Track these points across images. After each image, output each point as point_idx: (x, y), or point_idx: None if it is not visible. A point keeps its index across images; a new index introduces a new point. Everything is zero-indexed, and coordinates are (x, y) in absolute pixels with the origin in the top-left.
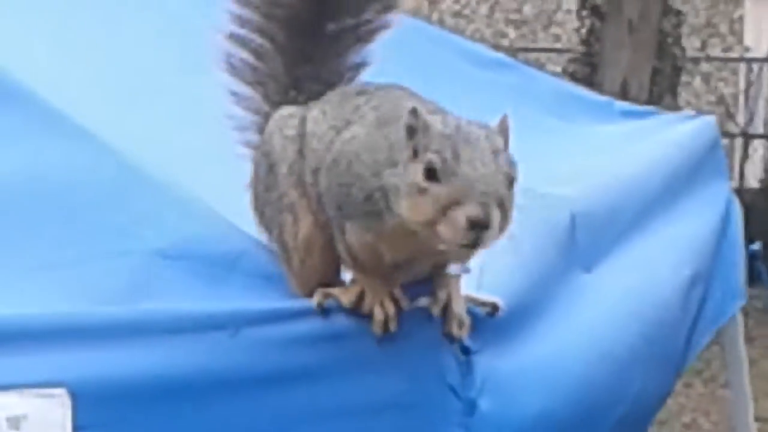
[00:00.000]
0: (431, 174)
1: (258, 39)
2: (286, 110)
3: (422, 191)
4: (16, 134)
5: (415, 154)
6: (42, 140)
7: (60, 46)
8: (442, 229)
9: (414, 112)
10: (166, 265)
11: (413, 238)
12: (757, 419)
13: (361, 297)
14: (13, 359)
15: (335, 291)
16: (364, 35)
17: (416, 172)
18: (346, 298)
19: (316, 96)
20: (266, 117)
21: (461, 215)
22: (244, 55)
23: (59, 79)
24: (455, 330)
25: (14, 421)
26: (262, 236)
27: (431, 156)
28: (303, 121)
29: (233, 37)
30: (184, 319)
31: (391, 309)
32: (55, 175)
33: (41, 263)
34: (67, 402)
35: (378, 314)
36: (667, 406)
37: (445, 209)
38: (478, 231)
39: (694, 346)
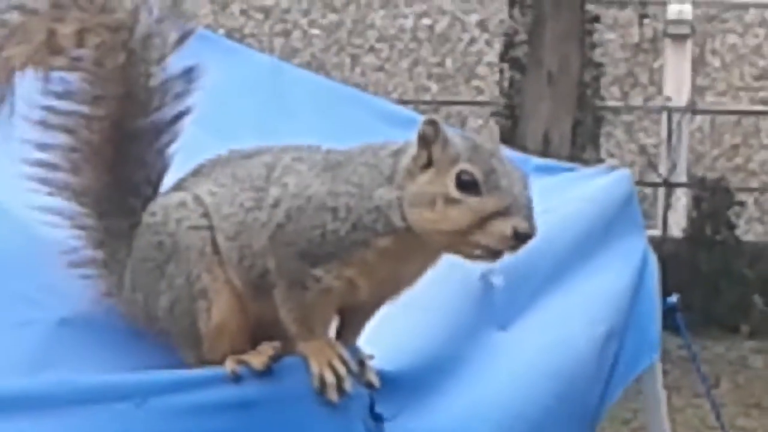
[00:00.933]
0: (467, 185)
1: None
2: (168, 199)
3: (454, 201)
4: None
5: (430, 163)
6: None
7: None
8: (481, 238)
9: (432, 122)
10: (70, 333)
11: (414, 249)
12: None
13: (273, 359)
14: None
15: (246, 357)
16: (171, 123)
17: (445, 183)
18: (258, 361)
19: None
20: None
21: (507, 227)
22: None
23: None
24: (374, 379)
25: None
26: (149, 330)
27: (466, 167)
28: (198, 200)
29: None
30: (88, 391)
31: (342, 370)
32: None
33: None
34: None
35: (329, 378)
36: None
37: (484, 220)
38: (520, 241)
39: (607, 399)
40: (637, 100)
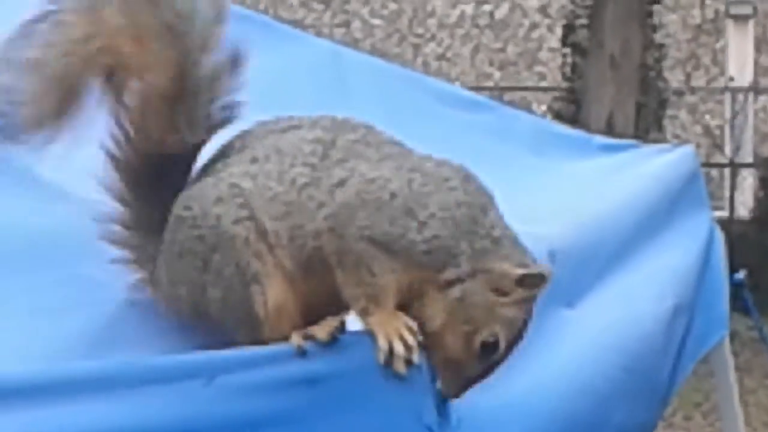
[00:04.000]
0: (488, 349)
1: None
2: (203, 192)
3: (473, 350)
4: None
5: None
6: (17, 191)
7: None
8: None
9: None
10: (136, 314)
11: None
12: None
13: (340, 329)
14: None
15: (311, 330)
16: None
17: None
18: (323, 333)
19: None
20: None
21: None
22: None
23: None
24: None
25: None
26: (197, 322)
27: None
28: (235, 189)
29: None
30: (154, 370)
31: (411, 340)
32: (31, 225)
33: (19, 310)
34: None
35: (399, 349)
36: None
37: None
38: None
39: (678, 375)
40: (700, 81)
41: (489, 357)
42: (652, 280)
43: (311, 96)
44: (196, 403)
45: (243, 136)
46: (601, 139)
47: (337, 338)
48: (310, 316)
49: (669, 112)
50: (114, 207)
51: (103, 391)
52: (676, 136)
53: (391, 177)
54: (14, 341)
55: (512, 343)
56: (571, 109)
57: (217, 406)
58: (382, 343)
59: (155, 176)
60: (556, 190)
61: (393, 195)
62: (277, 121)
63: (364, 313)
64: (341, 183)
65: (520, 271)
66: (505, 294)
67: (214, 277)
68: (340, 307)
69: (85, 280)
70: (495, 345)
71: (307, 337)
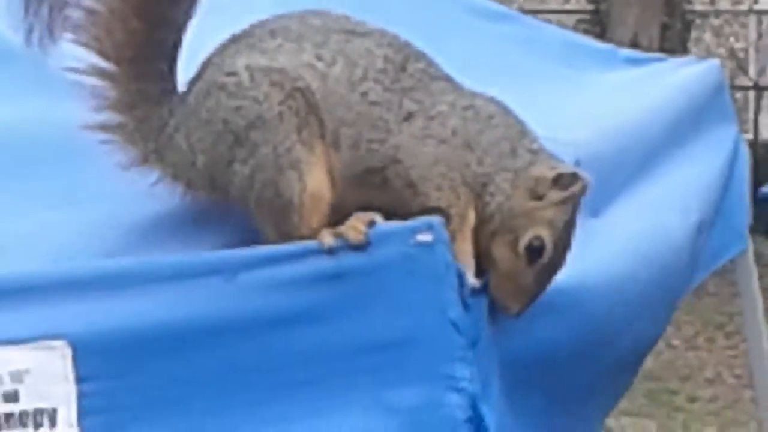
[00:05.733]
0: (534, 251)
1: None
2: (254, 61)
3: (517, 256)
4: (30, 88)
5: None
6: (33, 89)
7: None
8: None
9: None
10: (158, 214)
11: None
12: None
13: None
14: (11, 315)
15: (342, 229)
16: None
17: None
18: (354, 234)
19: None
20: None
21: None
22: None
23: None
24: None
25: (17, 375)
26: (210, 200)
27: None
28: (295, 74)
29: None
30: (176, 267)
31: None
32: (50, 120)
33: (37, 207)
34: (68, 353)
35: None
36: (689, 360)
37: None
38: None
39: (691, 283)
40: (725, 3)
41: (537, 260)
42: (677, 192)
43: (340, 4)
44: (218, 300)
45: (288, 18)
46: (627, 52)
47: (369, 242)
48: (335, 217)
49: (694, 34)
50: (108, 87)
51: (124, 287)
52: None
53: (449, 114)
54: (34, 239)
55: (559, 246)
56: (596, 31)
57: (240, 302)
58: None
59: (146, 49)
60: (582, 99)
61: (454, 132)
62: (329, 15)
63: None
64: (409, 116)
65: (554, 172)
66: (542, 198)
67: (245, 153)
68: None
69: (104, 175)
70: (540, 248)
71: (338, 236)
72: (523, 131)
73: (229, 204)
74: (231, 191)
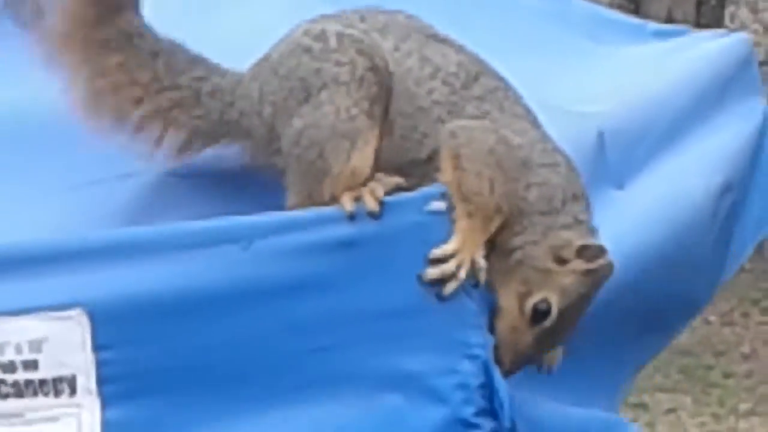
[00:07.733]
0: (539, 315)
1: None
2: (338, 27)
3: (522, 321)
4: (21, 71)
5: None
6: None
7: None
8: None
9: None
10: (176, 183)
11: None
12: None
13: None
14: (28, 284)
15: (363, 191)
16: None
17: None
18: (372, 201)
19: None
20: None
21: None
22: None
23: None
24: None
25: (36, 344)
26: (259, 155)
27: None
28: (376, 57)
29: None
30: (192, 234)
31: (482, 263)
32: (60, 103)
33: (53, 187)
34: (85, 321)
35: (462, 274)
36: (725, 336)
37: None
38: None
39: (731, 259)
40: None
41: (540, 323)
42: (701, 159)
43: None
44: (235, 267)
45: (378, 12)
46: (655, 25)
47: (382, 211)
48: None
49: (729, 9)
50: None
51: (140, 256)
52: None
53: (518, 132)
54: (55, 214)
55: (565, 316)
56: (630, 7)
57: (256, 269)
58: (453, 261)
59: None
60: (608, 72)
61: (519, 145)
62: (416, 20)
63: (462, 216)
64: (454, 135)
65: (581, 242)
66: (564, 262)
67: (310, 109)
68: None
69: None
70: (546, 311)
71: (357, 199)
72: (578, 196)
73: (270, 165)
74: (281, 145)
